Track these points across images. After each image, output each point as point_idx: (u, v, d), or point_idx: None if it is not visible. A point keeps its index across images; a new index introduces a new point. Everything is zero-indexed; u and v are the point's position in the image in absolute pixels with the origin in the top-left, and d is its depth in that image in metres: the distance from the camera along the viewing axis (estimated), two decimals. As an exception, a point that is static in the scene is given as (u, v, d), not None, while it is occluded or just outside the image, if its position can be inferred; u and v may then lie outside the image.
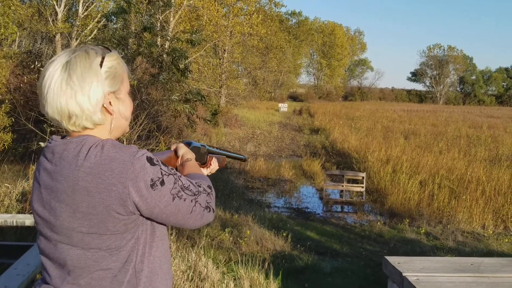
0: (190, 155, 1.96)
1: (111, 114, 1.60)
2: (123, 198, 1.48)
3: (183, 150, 1.96)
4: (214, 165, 2.23)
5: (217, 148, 2.33)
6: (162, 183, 1.53)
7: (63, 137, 1.60)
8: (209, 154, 2.21)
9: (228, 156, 2.40)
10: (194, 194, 1.64)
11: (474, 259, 3.60)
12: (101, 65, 1.56)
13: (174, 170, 1.62)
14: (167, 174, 1.56)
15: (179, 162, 1.93)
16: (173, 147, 1.98)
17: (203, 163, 2.17)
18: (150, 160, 1.53)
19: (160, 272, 1.65)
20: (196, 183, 1.67)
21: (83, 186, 1.47)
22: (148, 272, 1.60)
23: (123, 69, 1.65)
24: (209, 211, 1.69)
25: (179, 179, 1.60)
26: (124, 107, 1.65)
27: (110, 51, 1.62)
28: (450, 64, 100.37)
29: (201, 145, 2.16)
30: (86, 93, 1.52)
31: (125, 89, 1.66)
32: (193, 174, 1.81)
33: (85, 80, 1.52)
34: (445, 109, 62.95)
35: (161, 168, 1.55)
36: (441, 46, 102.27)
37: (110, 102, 1.58)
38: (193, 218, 1.64)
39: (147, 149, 9.63)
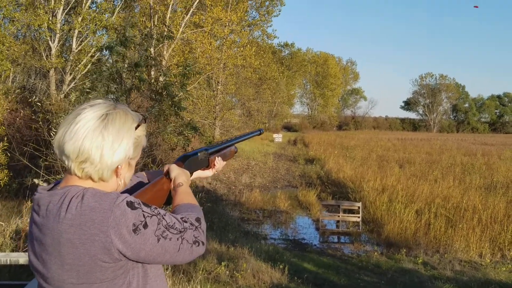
0: (183, 177, 1.90)
1: (117, 176, 1.64)
2: (106, 246, 1.49)
3: (175, 172, 1.91)
4: (218, 164, 2.23)
5: (224, 142, 2.34)
6: (145, 226, 1.53)
7: (51, 188, 1.63)
8: (212, 155, 2.20)
9: (239, 142, 2.44)
10: (180, 231, 1.62)
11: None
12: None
13: (158, 209, 1.61)
14: (150, 215, 1.56)
15: (172, 186, 1.89)
16: (165, 169, 1.95)
17: (207, 166, 2.16)
18: (130, 204, 1.54)
19: None
20: (182, 218, 1.66)
21: (67, 238, 1.49)
22: None
23: (145, 141, 1.74)
24: (198, 245, 1.67)
25: (163, 218, 1.59)
26: (129, 174, 1.71)
27: (145, 122, 1.72)
28: (442, 92, 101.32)
29: (199, 152, 2.12)
30: (114, 149, 1.58)
31: (137, 158, 1.73)
32: (182, 205, 1.77)
33: (118, 137, 1.59)
34: (439, 137, 63.23)
35: (143, 211, 1.55)
36: (433, 75, 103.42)
37: (121, 166, 1.63)
38: (181, 255, 1.62)
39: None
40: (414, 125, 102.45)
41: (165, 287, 1.74)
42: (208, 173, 2.22)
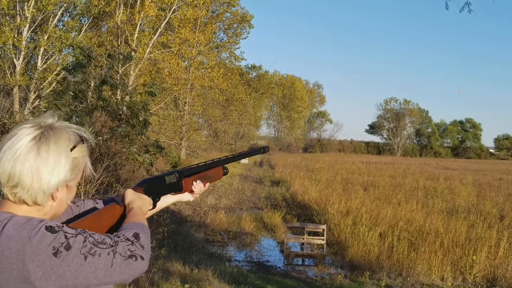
0: (137, 202, 1.82)
1: (54, 200, 1.58)
2: (25, 275, 1.41)
3: (129, 197, 1.83)
4: (197, 188, 2.10)
5: (205, 163, 2.16)
6: (68, 247, 1.45)
7: None
8: (186, 178, 2.05)
9: (228, 162, 2.23)
10: (111, 245, 1.52)
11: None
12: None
13: (84, 230, 1.53)
14: (74, 235, 1.48)
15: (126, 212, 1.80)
16: (121, 196, 1.86)
17: (180, 190, 2.03)
18: (50, 229, 1.46)
19: None
20: (115, 235, 1.58)
21: None
22: None
23: (84, 162, 1.66)
24: (136, 260, 1.55)
25: (91, 236, 1.51)
26: (70, 195, 1.65)
27: (83, 142, 1.63)
28: (406, 117, 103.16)
29: (166, 175, 2.01)
30: (48, 172, 1.52)
31: (77, 180, 1.66)
32: (124, 225, 1.67)
33: (53, 160, 1.53)
34: (402, 161, 64.11)
35: (65, 232, 1.47)
36: (397, 100, 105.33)
37: (58, 189, 1.57)
38: (117, 271, 1.51)
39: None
40: (378, 149, 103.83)
41: None
42: (187, 197, 2.12)
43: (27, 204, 1.54)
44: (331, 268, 13.69)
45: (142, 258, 1.57)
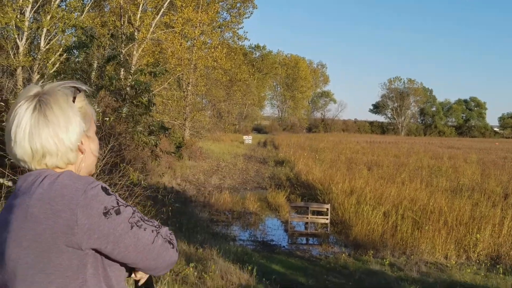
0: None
1: (82, 153, 1.61)
2: (70, 225, 1.43)
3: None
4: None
5: None
6: (118, 211, 1.49)
7: None
8: None
9: None
10: (156, 226, 1.60)
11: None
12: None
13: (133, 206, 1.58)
14: (124, 205, 1.53)
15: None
16: None
17: None
18: (105, 189, 1.51)
19: None
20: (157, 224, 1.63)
21: (32, 213, 1.45)
22: None
23: (91, 109, 1.68)
24: (173, 248, 1.64)
25: (139, 212, 1.57)
26: (94, 145, 1.67)
27: (80, 91, 1.63)
28: (410, 96, 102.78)
29: None
30: (66, 131, 1.54)
31: (93, 128, 1.68)
32: None
33: (64, 119, 1.54)
34: (406, 140, 64.05)
35: (117, 199, 1.52)
36: (401, 79, 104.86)
37: (81, 142, 1.60)
38: (156, 250, 1.57)
39: (110, 183, 9.46)
40: (382, 128, 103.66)
41: None
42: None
43: (60, 168, 1.57)
44: (335, 247, 13.75)
45: (176, 249, 1.65)
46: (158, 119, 14.19)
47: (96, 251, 1.49)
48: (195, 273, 9.19)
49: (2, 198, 8.98)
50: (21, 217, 1.47)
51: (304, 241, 15.00)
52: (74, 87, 1.63)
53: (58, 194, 1.45)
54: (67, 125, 1.55)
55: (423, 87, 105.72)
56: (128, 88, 11.01)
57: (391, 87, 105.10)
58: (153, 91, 11.47)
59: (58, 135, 1.53)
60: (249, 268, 9.74)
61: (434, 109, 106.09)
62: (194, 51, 33.59)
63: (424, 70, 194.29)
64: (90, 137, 1.66)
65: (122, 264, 1.59)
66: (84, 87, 1.66)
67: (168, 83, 29.45)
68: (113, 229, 1.47)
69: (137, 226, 1.52)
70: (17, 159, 1.55)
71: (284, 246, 13.89)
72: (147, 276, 1.78)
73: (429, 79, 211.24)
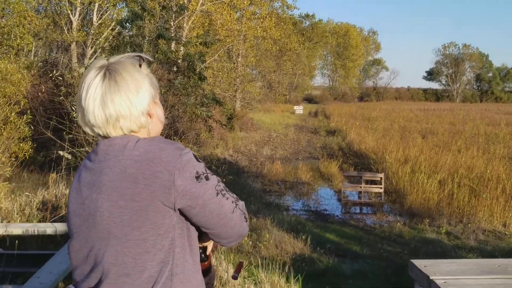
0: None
1: (151, 117, 1.68)
2: (167, 185, 1.54)
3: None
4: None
5: None
6: (207, 178, 1.61)
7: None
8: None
9: None
10: (235, 198, 1.71)
11: (501, 260, 3.53)
12: None
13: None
14: (211, 173, 1.65)
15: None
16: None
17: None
18: (195, 157, 1.63)
19: (193, 281, 1.65)
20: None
21: (130, 173, 1.54)
22: (182, 278, 1.60)
23: (153, 77, 1.75)
24: (246, 222, 1.76)
25: (222, 183, 1.68)
26: (160, 111, 1.74)
27: (144, 60, 1.71)
28: (466, 62, 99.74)
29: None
30: (136, 95, 1.63)
31: (158, 94, 1.75)
32: None
33: (133, 83, 1.63)
34: (462, 107, 62.44)
35: (205, 167, 1.64)
36: (456, 44, 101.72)
37: (150, 106, 1.68)
38: (235, 219, 1.68)
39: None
40: (436, 95, 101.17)
41: (199, 262, 1.73)
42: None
43: (134, 131, 1.65)
44: (389, 216, 13.62)
45: (248, 224, 1.79)
46: (210, 91, 14.26)
47: (181, 213, 1.61)
48: (250, 242, 9.30)
49: (63, 170, 9.27)
50: (117, 178, 1.55)
51: (358, 211, 14.93)
52: (139, 55, 1.71)
53: (157, 156, 1.56)
54: (138, 89, 1.63)
55: (479, 52, 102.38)
56: (180, 61, 11.07)
57: (445, 53, 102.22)
58: (205, 61, 11.49)
59: (130, 99, 1.61)
60: (303, 237, 9.78)
61: (490, 74, 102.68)
62: (243, 22, 33.45)
63: (479, 35, 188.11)
64: (156, 102, 1.72)
65: (197, 229, 1.71)
66: (147, 56, 1.72)
67: (218, 55, 29.51)
68: (202, 193, 1.59)
69: (222, 194, 1.64)
70: (91, 126, 1.63)
71: (337, 216, 13.86)
72: (211, 245, 1.89)
73: (485, 44, 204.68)
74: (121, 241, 1.54)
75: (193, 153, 1.62)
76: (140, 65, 1.68)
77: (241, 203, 1.73)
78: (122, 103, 1.60)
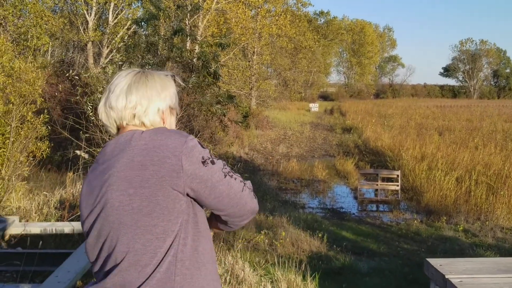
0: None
1: (163, 122, 1.79)
2: (176, 169, 1.61)
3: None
4: None
5: None
6: (213, 162, 1.69)
7: None
8: None
9: None
10: (242, 178, 1.79)
11: (518, 258, 3.49)
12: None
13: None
14: (216, 158, 1.74)
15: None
16: None
17: None
18: (200, 143, 1.71)
19: (203, 270, 1.67)
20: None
21: (138, 161, 1.62)
22: (189, 265, 1.63)
23: (177, 98, 1.89)
24: (255, 198, 1.82)
25: (227, 165, 1.77)
26: (173, 122, 1.86)
27: (175, 79, 1.87)
28: (483, 58, 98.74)
29: None
30: (159, 95, 1.77)
31: (177, 108, 1.88)
32: None
33: (161, 84, 1.78)
34: (479, 104, 61.86)
35: (210, 152, 1.72)
36: (473, 40, 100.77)
37: (164, 111, 1.79)
38: (244, 198, 1.75)
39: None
40: (453, 92, 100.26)
41: (213, 250, 1.79)
42: None
43: (145, 125, 1.75)
44: (406, 214, 13.55)
45: (256, 200, 1.84)
46: (225, 89, 14.28)
47: (191, 199, 1.69)
48: (266, 240, 9.30)
49: (80, 169, 9.33)
50: (125, 167, 1.62)
51: (374, 208, 14.86)
52: (173, 75, 1.89)
53: (163, 143, 1.64)
54: (162, 90, 1.78)
55: (497, 48, 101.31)
56: (195, 60, 11.09)
57: (462, 49, 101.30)
58: (220, 61, 11.50)
59: (153, 94, 1.75)
60: (320, 235, 9.77)
61: (508, 70, 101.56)
62: (258, 20, 33.45)
63: (497, 31, 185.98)
64: (172, 112, 1.85)
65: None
66: (178, 79, 1.92)
67: (234, 53, 29.52)
68: (210, 176, 1.67)
69: (229, 175, 1.72)
70: (110, 109, 1.75)
71: (354, 213, 13.82)
72: (211, 234, 1.93)
73: (503, 40, 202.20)
74: (131, 229, 1.58)
75: (197, 140, 1.70)
76: (173, 77, 1.86)
77: (248, 182, 1.81)
78: (144, 94, 1.73)
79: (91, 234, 1.66)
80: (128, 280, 1.57)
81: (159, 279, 1.57)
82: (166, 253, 1.59)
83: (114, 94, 1.73)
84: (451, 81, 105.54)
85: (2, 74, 9.27)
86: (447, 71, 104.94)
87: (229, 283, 5.58)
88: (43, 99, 10.46)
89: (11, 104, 9.07)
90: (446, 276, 2.70)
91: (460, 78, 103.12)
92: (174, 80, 1.86)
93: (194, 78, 10.20)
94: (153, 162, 1.59)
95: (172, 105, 1.82)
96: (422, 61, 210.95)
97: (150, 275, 1.57)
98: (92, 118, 9.65)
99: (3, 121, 9.14)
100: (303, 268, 6.66)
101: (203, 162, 1.65)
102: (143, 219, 1.58)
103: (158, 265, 1.58)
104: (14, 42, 16.50)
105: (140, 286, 1.56)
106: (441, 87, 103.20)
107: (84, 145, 9.97)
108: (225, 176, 1.70)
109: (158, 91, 1.76)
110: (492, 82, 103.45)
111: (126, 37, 20.29)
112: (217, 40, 11.42)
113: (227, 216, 1.77)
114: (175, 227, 1.61)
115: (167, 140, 1.63)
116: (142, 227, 1.58)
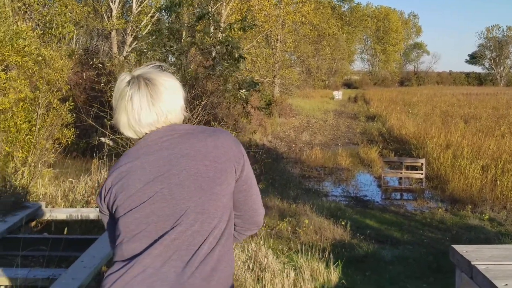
0: None
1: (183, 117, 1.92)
2: (239, 156, 1.82)
3: None
4: None
5: None
6: (248, 162, 1.88)
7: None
8: None
9: None
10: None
11: (546, 245, 3.43)
12: None
13: None
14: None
15: None
16: None
17: None
18: None
19: (229, 251, 1.77)
20: None
21: (210, 140, 1.78)
22: (224, 242, 1.74)
23: None
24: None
25: None
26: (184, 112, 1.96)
27: (163, 68, 1.94)
28: (510, 45, 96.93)
29: None
30: (175, 93, 1.86)
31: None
32: None
33: (174, 86, 1.87)
34: (506, 91, 60.81)
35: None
36: (500, 27, 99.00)
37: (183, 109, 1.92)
38: (259, 197, 1.93)
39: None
40: (479, 79, 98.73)
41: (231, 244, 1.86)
42: None
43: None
44: (430, 202, 13.44)
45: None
46: (248, 76, 14.26)
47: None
48: (289, 228, 9.31)
49: (105, 156, 9.41)
50: (199, 144, 1.76)
51: (398, 197, 14.76)
52: (159, 65, 1.93)
53: (223, 131, 1.87)
54: (175, 90, 1.87)
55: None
56: (218, 46, 11.09)
57: (488, 36, 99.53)
58: (239, 47, 11.46)
59: (173, 97, 1.84)
60: (343, 223, 9.73)
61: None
62: (282, 7, 33.28)
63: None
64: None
65: None
66: (165, 65, 1.98)
67: (257, 40, 29.45)
68: (251, 175, 1.88)
69: (252, 174, 1.90)
70: (139, 126, 1.81)
71: (377, 202, 13.74)
72: None
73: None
74: (207, 193, 1.72)
75: None
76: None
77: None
78: (168, 101, 1.82)
79: (143, 207, 1.69)
80: (198, 240, 1.68)
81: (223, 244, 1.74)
82: (227, 222, 1.76)
83: (137, 114, 1.79)
84: (477, 69, 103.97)
85: (30, 61, 9.38)
86: (473, 58, 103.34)
87: (252, 270, 5.60)
88: (69, 86, 10.56)
89: (38, 91, 9.18)
90: (472, 263, 2.66)
91: (487, 66, 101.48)
92: (162, 68, 1.92)
93: (219, 66, 10.20)
94: (224, 144, 1.78)
95: (184, 97, 1.94)
96: (447, 48, 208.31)
97: (219, 238, 1.72)
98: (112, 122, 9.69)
99: (30, 108, 9.25)
100: (326, 256, 6.65)
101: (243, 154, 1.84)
102: (216, 187, 1.73)
103: (223, 230, 1.74)
104: (40, 30, 16.65)
105: (204, 242, 1.68)
106: (467, 74, 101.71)
107: (108, 132, 10.04)
108: (253, 173, 1.89)
109: (176, 91, 1.87)
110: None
111: (150, 25, 20.37)
112: (240, 25, 11.39)
113: (242, 217, 1.92)
114: (230, 203, 1.79)
115: (223, 133, 1.84)
116: (215, 194, 1.73)
